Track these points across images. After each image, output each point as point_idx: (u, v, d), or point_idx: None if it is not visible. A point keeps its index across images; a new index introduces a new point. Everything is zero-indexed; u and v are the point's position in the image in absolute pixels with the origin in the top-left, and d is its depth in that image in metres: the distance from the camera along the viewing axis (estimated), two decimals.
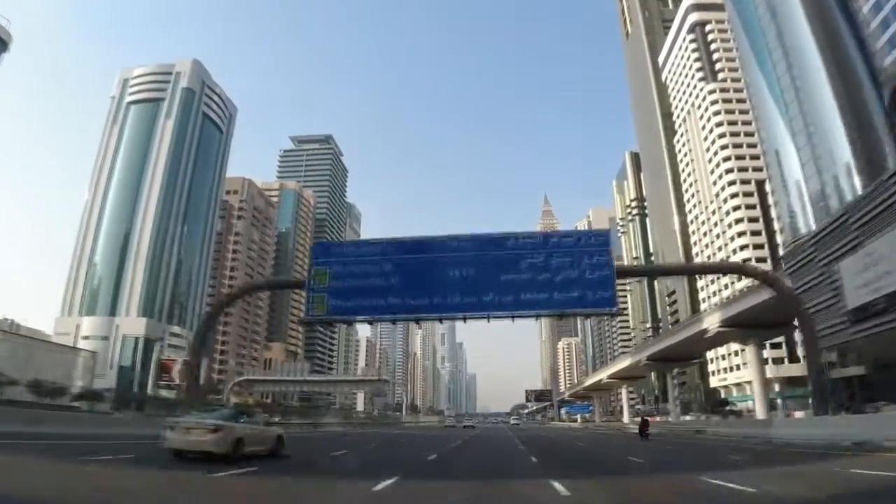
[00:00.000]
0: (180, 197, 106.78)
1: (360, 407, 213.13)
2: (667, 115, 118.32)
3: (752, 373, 42.59)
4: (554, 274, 27.43)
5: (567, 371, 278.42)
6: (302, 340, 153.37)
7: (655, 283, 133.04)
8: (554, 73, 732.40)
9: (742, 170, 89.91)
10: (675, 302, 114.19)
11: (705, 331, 41.28)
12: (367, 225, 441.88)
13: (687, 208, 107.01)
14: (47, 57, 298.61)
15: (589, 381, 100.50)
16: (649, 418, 43.90)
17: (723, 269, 31.77)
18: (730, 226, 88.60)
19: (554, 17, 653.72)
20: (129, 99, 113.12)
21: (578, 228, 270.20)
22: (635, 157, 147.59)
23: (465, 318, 29.35)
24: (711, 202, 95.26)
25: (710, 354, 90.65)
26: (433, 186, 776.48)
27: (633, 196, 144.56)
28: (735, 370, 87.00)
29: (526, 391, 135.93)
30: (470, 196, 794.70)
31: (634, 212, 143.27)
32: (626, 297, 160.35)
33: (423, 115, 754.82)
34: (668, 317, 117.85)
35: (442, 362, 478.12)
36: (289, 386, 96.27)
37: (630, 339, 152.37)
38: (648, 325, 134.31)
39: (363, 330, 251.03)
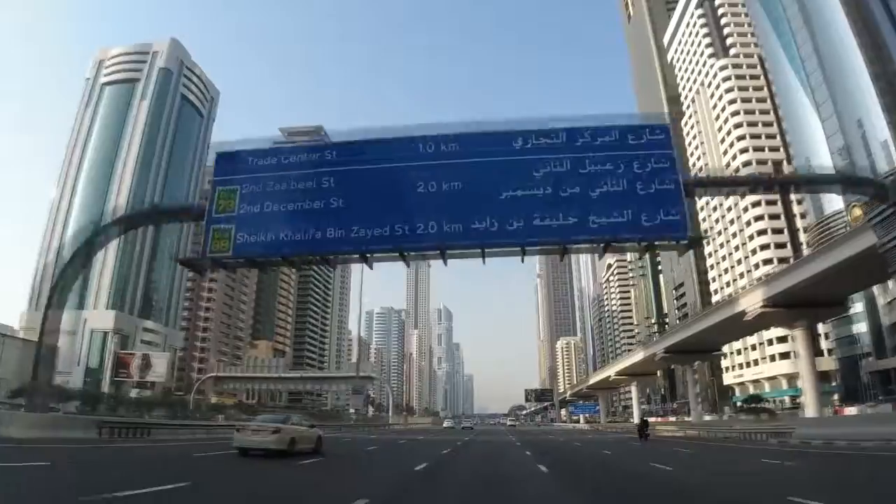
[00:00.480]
0: (155, 183, 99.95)
1: (352, 408, 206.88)
2: (673, 100, 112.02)
3: (800, 363, 36.01)
4: (588, 186, 18.29)
5: (566, 371, 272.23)
6: (291, 338, 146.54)
7: (661, 276, 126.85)
8: (551, 61, 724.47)
9: (758, 149, 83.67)
10: (683, 295, 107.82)
11: (742, 314, 34.47)
12: None
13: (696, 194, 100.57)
14: (29, 43, 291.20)
15: (594, 379, 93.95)
16: (660, 418, 38.74)
17: (837, 180, 21.63)
18: (745, 210, 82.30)
19: (551, 7, 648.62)
20: (103, 80, 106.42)
21: None
22: None
23: (443, 254, 19.63)
24: None
25: (724, 349, 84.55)
26: None
27: None
28: (753, 366, 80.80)
29: (525, 391, 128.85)
30: None
31: None
32: (628, 291, 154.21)
33: (414, 110, 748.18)
34: (676, 311, 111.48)
35: (439, 363, 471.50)
36: (264, 384, 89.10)
37: (633, 337, 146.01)
38: (654, 320, 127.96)
39: (356, 329, 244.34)
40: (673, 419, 71.97)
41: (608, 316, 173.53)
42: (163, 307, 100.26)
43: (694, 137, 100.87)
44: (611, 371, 76.88)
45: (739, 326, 39.50)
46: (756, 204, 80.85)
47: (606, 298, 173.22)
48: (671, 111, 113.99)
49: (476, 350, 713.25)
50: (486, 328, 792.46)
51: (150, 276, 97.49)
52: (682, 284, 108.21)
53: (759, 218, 79.91)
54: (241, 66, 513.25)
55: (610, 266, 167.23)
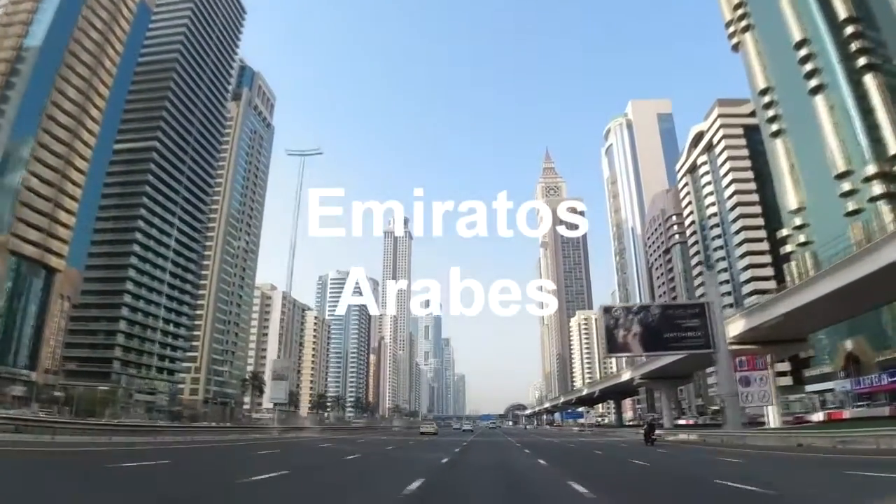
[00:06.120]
0: None
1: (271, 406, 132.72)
2: None
3: None
4: None
5: (585, 359, 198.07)
6: (113, 238, 71.84)
7: (873, 77, 54.52)
8: None
9: None
10: None
11: None
12: (287, 114, 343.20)
13: None
14: None
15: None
16: None
17: None
18: None
19: None
20: None
21: (611, 133, 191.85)
22: None
23: None
24: None
25: None
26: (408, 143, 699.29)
27: None
28: None
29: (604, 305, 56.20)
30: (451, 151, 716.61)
31: None
32: (747, 170, 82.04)
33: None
34: None
35: (425, 358, 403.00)
36: None
37: (789, 253, 73.14)
38: (874, 169, 55.24)
39: (281, 282, 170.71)
40: None
41: (687, 241, 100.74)
42: None
43: None
44: None
45: None
46: None
47: (694, 208, 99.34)
48: None
49: (468, 350, 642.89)
50: (478, 328, 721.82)
51: None
52: None
53: None
54: None
55: (699, 137, 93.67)
